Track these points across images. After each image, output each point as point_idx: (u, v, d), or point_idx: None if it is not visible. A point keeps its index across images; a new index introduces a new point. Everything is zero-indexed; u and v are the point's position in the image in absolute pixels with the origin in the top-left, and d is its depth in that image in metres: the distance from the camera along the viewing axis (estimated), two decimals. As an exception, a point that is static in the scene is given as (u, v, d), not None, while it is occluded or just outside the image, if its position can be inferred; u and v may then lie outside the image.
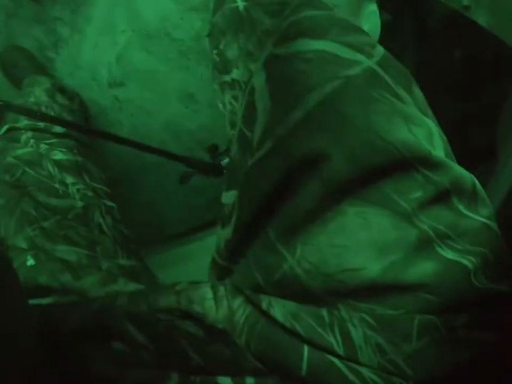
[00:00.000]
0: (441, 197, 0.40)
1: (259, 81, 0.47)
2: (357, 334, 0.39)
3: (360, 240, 0.40)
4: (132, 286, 0.59)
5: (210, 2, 0.72)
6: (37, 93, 0.92)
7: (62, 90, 1.00)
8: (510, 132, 0.71)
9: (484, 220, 0.41)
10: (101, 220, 0.73)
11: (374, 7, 0.74)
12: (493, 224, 0.42)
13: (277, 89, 0.45)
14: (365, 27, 0.72)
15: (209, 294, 0.45)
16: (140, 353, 0.42)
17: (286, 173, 0.42)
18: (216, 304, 0.44)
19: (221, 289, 0.46)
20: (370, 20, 0.75)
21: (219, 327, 0.43)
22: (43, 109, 0.87)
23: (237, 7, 0.64)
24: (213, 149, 0.99)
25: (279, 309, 0.42)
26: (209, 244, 0.60)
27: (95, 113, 1.10)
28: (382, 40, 0.95)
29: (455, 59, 0.82)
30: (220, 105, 0.72)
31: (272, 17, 0.57)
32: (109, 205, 0.79)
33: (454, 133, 0.48)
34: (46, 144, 0.77)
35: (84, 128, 0.83)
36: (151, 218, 0.86)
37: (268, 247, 0.45)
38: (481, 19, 0.70)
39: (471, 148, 0.46)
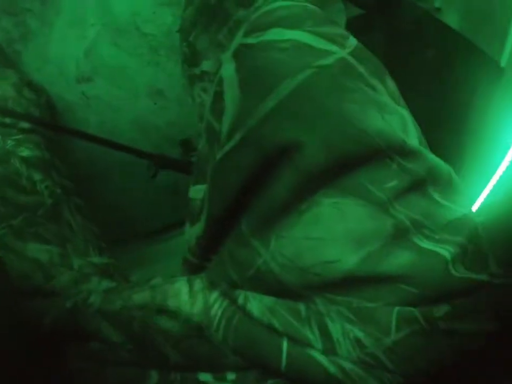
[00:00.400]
0: (417, 186, 0.40)
1: (228, 71, 0.46)
2: (335, 328, 0.39)
3: (336, 231, 0.39)
4: (105, 284, 0.59)
5: (181, -2, 0.71)
6: (4, 87, 0.89)
7: (29, 84, 0.97)
8: (477, 131, 0.71)
9: (461, 209, 0.41)
10: (70, 217, 0.73)
11: (341, 5, 0.75)
12: (471, 214, 0.42)
13: (248, 79, 0.44)
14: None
15: (185, 288, 0.45)
16: (118, 352, 0.42)
17: (258, 164, 0.42)
18: (192, 299, 0.43)
19: (197, 283, 0.45)
20: (337, 16, 0.76)
21: (194, 321, 0.42)
22: (10, 103, 0.84)
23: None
24: (186, 144, 0.97)
25: (256, 303, 0.42)
26: (180, 243, 0.59)
27: (62, 109, 1.07)
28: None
29: (426, 59, 0.83)
30: (190, 100, 0.70)
31: (244, 8, 0.57)
32: (78, 202, 0.78)
33: (424, 132, 0.48)
34: (13, 140, 0.75)
35: (51, 125, 0.81)
36: (118, 217, 0.84)
37: (241, 241, 0.44)
38: (452, 21, 0.71)
39: (441, 147, 0.46)
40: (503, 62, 0.62)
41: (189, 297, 0.44)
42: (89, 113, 1.10)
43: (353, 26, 0.94)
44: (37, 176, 0.72)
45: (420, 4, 0.77)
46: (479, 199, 0.59)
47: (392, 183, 0.39)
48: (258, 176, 0.42)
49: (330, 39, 0.43)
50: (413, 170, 0.40)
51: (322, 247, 0.40)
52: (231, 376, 0.40)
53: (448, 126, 0.77)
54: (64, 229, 0.70)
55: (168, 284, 0.46)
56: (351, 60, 0.42)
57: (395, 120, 0.41)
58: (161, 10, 0.99)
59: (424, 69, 0.84)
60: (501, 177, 0.54)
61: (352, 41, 0.45)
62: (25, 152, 0.75)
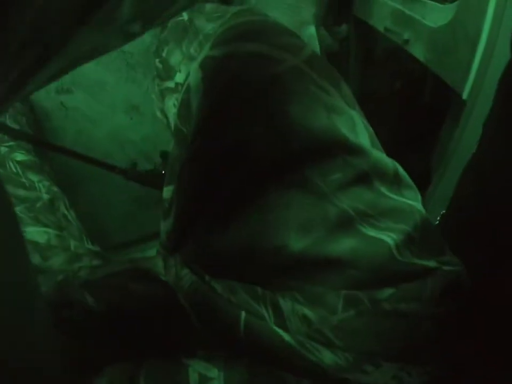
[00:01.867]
0: (361, 179, 0.42)
1: (195, 79, 0.48)
2: (285, 305, 0.40)
3: (283, 220, 0.41)
4: (96, 263, 0.63)
5: (161, 19, 0.73)
6: None
7: None
8: (442, 161, 0.73)
9: (408, 201, 0.43)
10: (66, 212, 0.75)
11: (312, 30, 0.78)
12: (418, 205, 0.44)
13: (211, 86, 0.46)
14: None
15: (160, 263, 0.47)
16: (96, 325, 0.44)
17: (217, 162, 0.44)
18: (165, 271, 0.46)
19: (171, 260, 0.48)
20: (310, 42, 0.78)
21: (168, 282, 0.45)
22: None
23: (182, 19, 0.66)
24: (166, 156, 0.98)
25: (218, 283, 0.44)
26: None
27: (39, 118, 1.08)
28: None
29: (395, 89, 0.85)
30: (158, 113, 0.72)
31: (214, 23, 0.60)
32: (69, 206, 0.80)
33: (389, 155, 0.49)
34: (5, 146, 0.77)
35: (28, 137, 0.82)
36: (92, 227, 0.84)
37: (201, 233, 0.46)
38: (419, 53, 0.74)
39: (407, 172, 0.47)
40: (465, 95, 0.63)
41: (163, 270, 0.46)
42: (67, 123, 1.11)
43: (331, 54, 0.97)
44: (33, 177, 0.75)
45: (390, 35, 0.79)
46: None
47: (336, 176, 0.41)
48: (217, 173, 0.45)
49: (285, 48, 0.46)
50: (356, 165, 0.41)
51: (271, 234, 0.42)
52: (200, 354, 0.42)
53: (415, 154, 0.79)
54: (60, 220, 0.72)
55: (145, 260, 0.49)
56: (304, 66, 0.45)
57: (343, 120, 0.43)
58: (140, 30, 1.01)
59: (393, 96, 0.86)
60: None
61: (307, 51, 0.47)
62: (19, 157, 0.76)
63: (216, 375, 0.40)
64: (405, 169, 0.46)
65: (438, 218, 0.63)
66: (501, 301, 0.39)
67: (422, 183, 0.71)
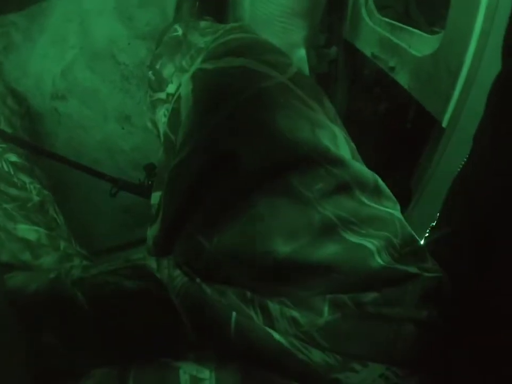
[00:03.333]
0: (343, 188, 0.44)
1: (185, 90, 0.51)
2: (273, 307, 0.42)
3: (270, 226, 0.43)
4: (87, 263, 0.65)
5: (157, 33, 0.75)
6: None
7: (13, 93, 1.01)
8: (420, 183, 0.75)
9: (388, 210, 0.46)
10: (55, 215, 0.77)
11: (302, 53, 0.80)
12: (397, 213, 0.47)
13: (201, 98, 0.49)
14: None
15: (154, 265, 0.48)
16: (86, 325, 0.44)
17: (203, 170, 0.46)
18: (158, 272, 0.47)
19: (164, 262, 0.48)
20: (300, 64, 0.80)
21: (162, 281, 0.46)
22: None
23: (177, 35, 0.68)
24: (150, 168, 1.00)
25: (208, 286, 0.45)
26: None
27: (33, 121, 1.09)
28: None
29: (379, 112, 0.87)
30: (149, 124, 0.74)
31: (206, 37, 0.63)
32: (58, 210, 0.82)
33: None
34: None
35: (20, 142, 0.82)
36: (79, 232, 0.85)
37: (190, 239, 0.47)
38: (404, 81, 0.76)
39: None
40: (444, 123, 0.65)
41: (156, 271, 0.47)
42: (59, 129, 1.13)
43: (320, 75, 1.00)
44: (25, 179, 0.76)
45: (376, 61, 0.81)
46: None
47: (319, 185, 0.43)
48: (203, 181, 0.46)
49: (273, 65, 0.48)
50: (337, 175, 0.44)
51: (258, 241, 0.43)
52: (190, 356, 0.42)
53: (396, 174, 0.81)
54: (50, 221, 0.74)
55: (139, 260, 0.49)
56: (290, 84, 0.47)
57: (324, 133, 0.46)
58: (136, 42, 1.04)
59: (377, 119, 0.89)
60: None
61: (293, 69, 0.50)
62: (12, 158, 0.78)
63: (208, 376, 0.40)
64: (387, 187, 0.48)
65: (427, 231, 0.65)
66: (488, 307, 0.40)
67: (403, 201, 0.73)
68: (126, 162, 1.19)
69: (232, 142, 0.45)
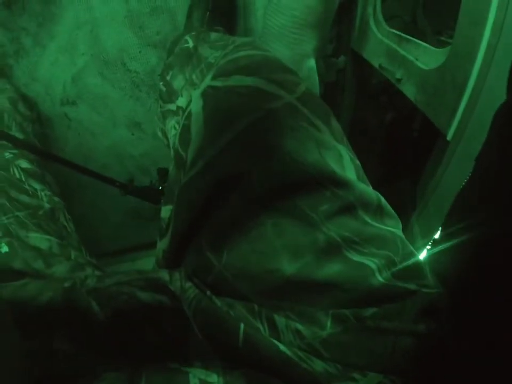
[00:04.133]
0: (347, 209, 0.45)
1: (196, 107, 0.51)
2: (280, 320, 0.43)
3: (276, 246, 0.44)
4: (99, 273, 0.64)
5: (167, 42, 0.76)
6: (1, 100, 0.94)
7: (24, 99, 1.01)
8: (426, 192, 0.75)
9: (389, 228, 0.47)
10: (65, 223, 0.78)
11: (312, 63, 0.80)
12: (398, 232, 0.48)
13: (211, 116, 0.49)
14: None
15: (166, 277, 0.49)
16: (100, 333, 0.45)
17: (213, 189, 0.47)
18: (171, 284, 0.48)
19: (176, 274, 0.49)
20: (310, 75, 0.81)
21: (175, 292, 0.47)
22: (5, 116, 0.88)
23: (188, 46, 0.69)
24: (162, 172, 1.01)
25: (218, 299, 0.46)
26: (146, 265, 0.62)
27: (43, 127, 1.11)
28: (324, 96, 1.01)
29: (386, 122, 0.88)
30: (159, 133, 0.75)
31: (216, 51, 0.63)
32: (68, 217, 0.82)
33: (377, 186, 0.52)
34: (10, 153, 0.79)
35: (31, 147, 0.83)
36: (85, 235, 0.86)
37: (199, 255, 0.48)
38: (410, 93, 0.76)
39: (393, 201, 0.50)
40: (449, 136, 0.66)
41: (169, 283, 0.48)
42: (69, 134, 1.15)
43: (327, 84, 1.01)
44: (36, 185, 0.77)
45: (384, 72, 0.82)
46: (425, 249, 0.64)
47: (325, 206, 0.44)
48: (213, 199, 0.47)
49: (282, 85, 0.49)
50: (343, 196, 0.45)
51: (264, 259, 0.44)
52: (198, 364, 0.43)
53: (400, 183, 0.81)
54: (61, 230, 0.74)
55: (152, 272, 0.51)
56: (297, 104, 0.48)
57: (331, 155, 0.47)
58: (147, 50, 1.05)
59: (383, 128, 0.89)
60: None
61: (302, 88, 0.50)
62: (23, 164, 0.79)
63: (216, 380, 0.41)
64: (391, 196, 0.50)
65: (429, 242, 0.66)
66: (488, 319, 0.40)
67: (407, 211, 0.74)
68: (135, 167, 1.20)
69: (241, 163, 0.46)
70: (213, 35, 0.70)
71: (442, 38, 0.96)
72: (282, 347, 0.42)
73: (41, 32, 1.02)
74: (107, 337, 0.46)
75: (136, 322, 0.46)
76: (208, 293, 0.47)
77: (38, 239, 0.66)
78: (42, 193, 0.76)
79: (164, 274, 0.50)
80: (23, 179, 0.75)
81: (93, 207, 1.24)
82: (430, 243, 0.69)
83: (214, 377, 0.41)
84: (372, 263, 0.44)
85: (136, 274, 0.50)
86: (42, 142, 1.06)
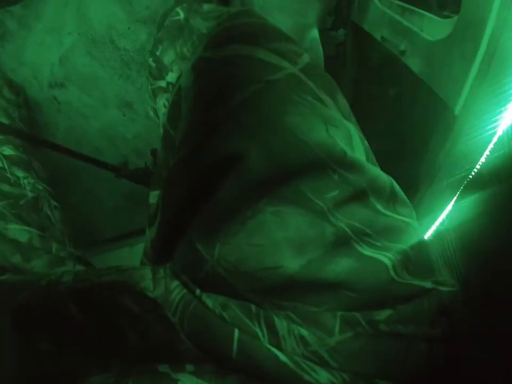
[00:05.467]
0: (358, 196, 0.40)
1: (186, 81, 0.47)
2: (281, 324, 0.39)
3: (277, 239, 0.40)
4: (79, 268, 0.61)
5: (158, 17, 0.72)
6: None
7: (10, 84, 0.98)
8: (430, 171, 0.73)
9: (403, 218, 0.42)
10: (49, 213, 0.75)
11: (316, 34, 0.77)
12: (413, 222, 0.43)
13: (202, 90, 0.45)
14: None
15: (149, 275, 0.44)
16: (80, 334, 0.42)
17: (206, 172, 0.43)
18: (154, 284, 0.43)
19: (160, 272, 0.45)
20: (313, 46, 0.78)
21: (156, 300, 0.42)
22: None
23: (179, 18, 0.65)
24: (157, 153, 0.98)
25: (210, 298, 0.41)
26: (140, 251, 0.59)
27: (32, 111, 1.08)
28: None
29: (388, 97, 0.85)
30: (151, 113, 0.72)
31: (209, 22, 0.58)
32: (54, 204, 0.80)
33: (380, 166, 0.49)
34: None
35: (18, 132, 0.81)
36: (81, 221, 0.84)
37: (189, 247, 0.44)
38: (414, 65, 0.73)
39: (396, 180, 0.47)
40: (457, 110, 0.63)
41: (152, 283, 0.43)
42: (59, 118, 1.11)
43: (328, 61, 0.97)
44: (19, 173, 0.74)
45: (386, 44, 0.79)
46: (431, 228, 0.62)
47: (333, 193, 0.40)
48: (205, 184, 0.43)
49: (283, 55, 0.44)
50: (354, 181, 0.40)
51: (263, 254, 0.40)
52: (189, 367, 0.39)
53: (405, 162, 0.79)
54: (43, 220, 0.71)
55: (134, 270, 0.46)
56: (301, 75, 0.44)
57: (340, 134, 0.42)
58: (136, 27, 1.01)
59: (386, 106, 0.87)
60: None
61: (305, 58, 0.46)
62: (7, 152, 0.76)
63: None
64: (394, 176, 0.46)
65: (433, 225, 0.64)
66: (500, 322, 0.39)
67: (410, 190, 0.71)
68: (128, 149, 1.17)
69: (237, 142, 0.41)
70: (206, 6, 0.65)
71: (446, 13, 0.93)
72: (282, 357, 0.37)
73: (26, 13, 0.98)
74: (89, 341, 0.42)
75: (117, 328, 0.42)
76: (198, 292, 0.42)
77: (17, 230, 0.63)
78: (25, 181, 0.73)
79: (146, 272, 0.45)
80: (6, 167, 0.72)
81: (88, 193, 1.22)
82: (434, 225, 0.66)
83: None
84: (385, 258, 0.39)
85: (114, 274, 0.45)
86: (32, 128, 1.04)
